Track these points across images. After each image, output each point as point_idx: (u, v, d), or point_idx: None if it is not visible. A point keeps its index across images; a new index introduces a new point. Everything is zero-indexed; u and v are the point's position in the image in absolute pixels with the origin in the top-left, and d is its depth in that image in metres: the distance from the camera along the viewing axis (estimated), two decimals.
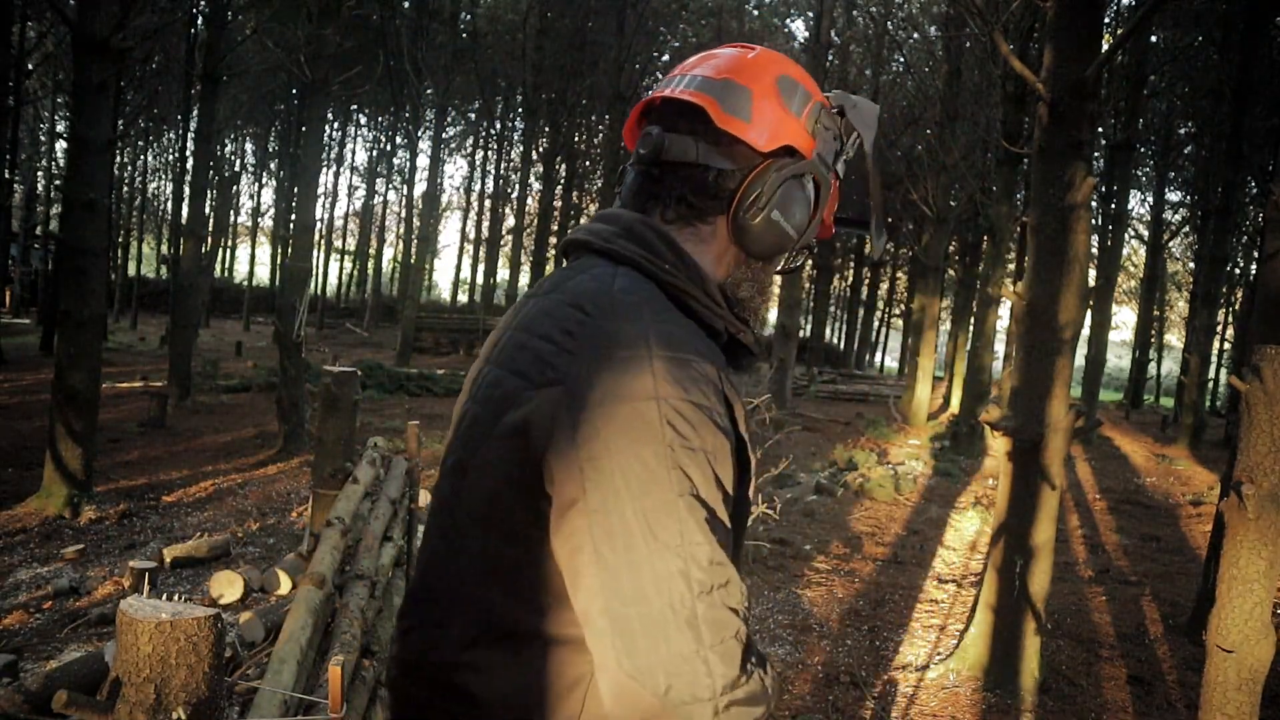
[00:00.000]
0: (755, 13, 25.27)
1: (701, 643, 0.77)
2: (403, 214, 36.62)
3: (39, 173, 26.06)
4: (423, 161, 33.71)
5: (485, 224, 34.57)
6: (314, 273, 24.52)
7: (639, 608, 0.77)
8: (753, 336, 1.01)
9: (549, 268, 25.50)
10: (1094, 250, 16.83)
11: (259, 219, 39.12)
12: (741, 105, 0.96)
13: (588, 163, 30.01)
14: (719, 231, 0.99)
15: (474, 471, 0.92)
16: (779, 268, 1.07)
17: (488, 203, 34.03)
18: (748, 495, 0.93)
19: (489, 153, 34.07)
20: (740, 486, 0.89)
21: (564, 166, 26.76)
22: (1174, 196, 24.43)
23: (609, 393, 0.80)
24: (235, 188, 30.91)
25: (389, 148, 34.46)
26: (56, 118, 23.60)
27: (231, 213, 30.81)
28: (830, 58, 16.80)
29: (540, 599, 0.86)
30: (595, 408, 0.80)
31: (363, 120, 35.79)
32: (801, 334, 19.03)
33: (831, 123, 1.02)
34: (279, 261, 29.41)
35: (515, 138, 31.39)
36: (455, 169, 62.81)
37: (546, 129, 24.54)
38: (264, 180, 37.67)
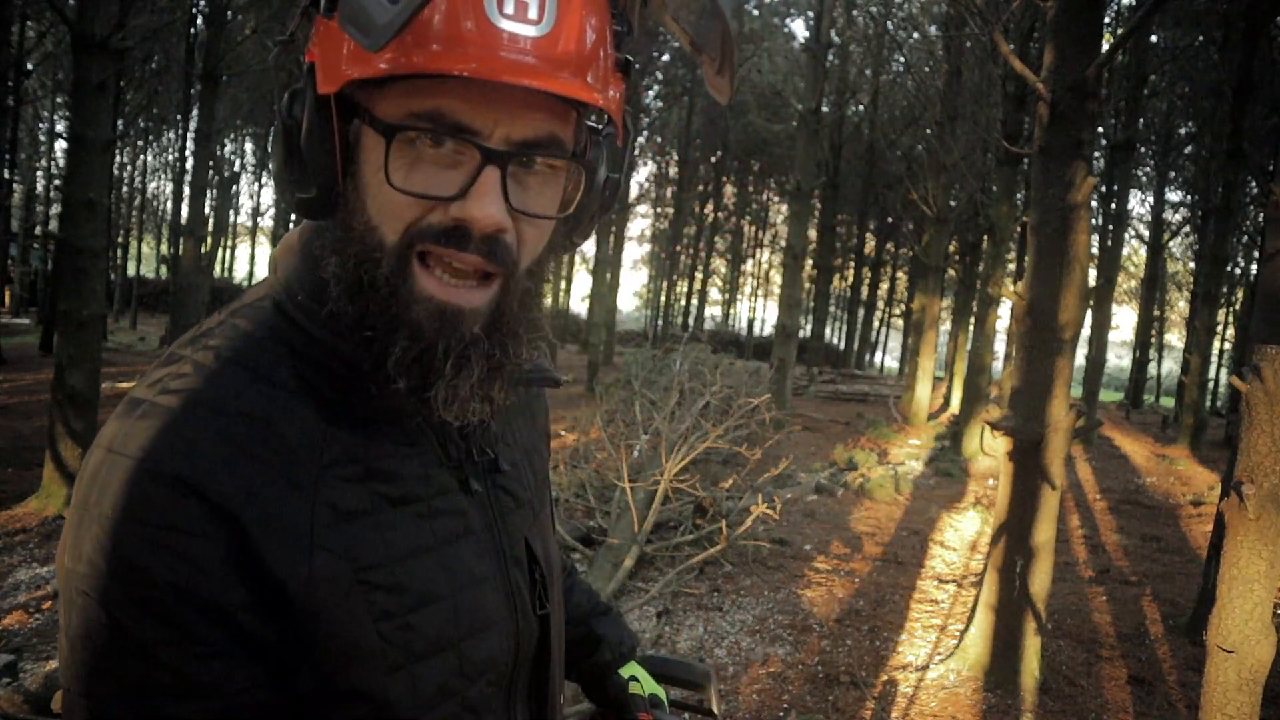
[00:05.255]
0: (755, 13, 25.22)
1: None
2: None
3: (39, 173, 26.06)
4: None
5: None
6: None
7: None
8: (390, 362, 0.64)
9: None
10: (1094, 250, 16.83)
11: (259, 219, 39.17)
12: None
13: None
14: None
15: None
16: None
17: None
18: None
19: None
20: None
21: None
22: (1174, 196, 24.44)
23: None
24: (235, 188, 30.92)
25: None
26: (56, 118, 23.60)
27: (231, 213, 30.82)
28: (830, 58, 16.78)
29: None
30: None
31: None
32: (801, 334, 19.01)
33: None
34: None
35: None
36: None
37: None
38: (264, 180, 37.70)
